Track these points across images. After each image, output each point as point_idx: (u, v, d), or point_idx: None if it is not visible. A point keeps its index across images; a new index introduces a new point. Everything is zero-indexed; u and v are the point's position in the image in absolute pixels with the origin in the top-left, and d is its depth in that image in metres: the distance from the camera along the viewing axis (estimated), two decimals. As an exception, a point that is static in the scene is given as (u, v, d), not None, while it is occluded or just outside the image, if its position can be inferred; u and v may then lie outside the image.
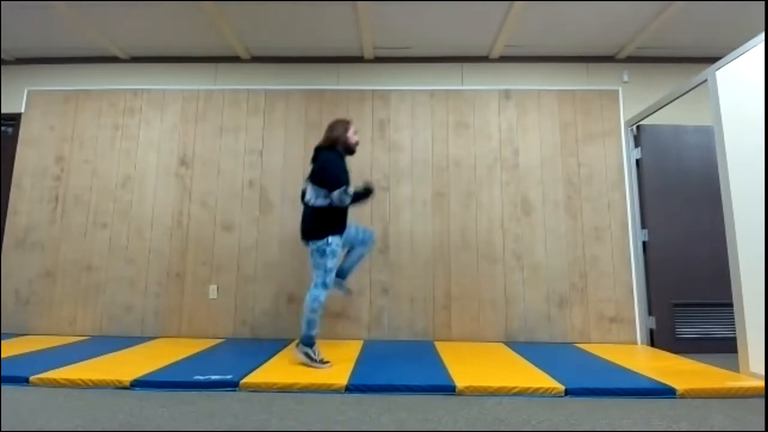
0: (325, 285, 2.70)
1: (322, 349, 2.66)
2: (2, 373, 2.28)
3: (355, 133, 2.89)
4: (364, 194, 2.77)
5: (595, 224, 3.72)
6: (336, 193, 2.66)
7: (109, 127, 3.99)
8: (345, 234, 2.82)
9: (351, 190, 2.70)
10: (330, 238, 2.71)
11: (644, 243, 3.61)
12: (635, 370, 2.58)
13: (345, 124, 2.87)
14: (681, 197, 3.56)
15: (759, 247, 2.42)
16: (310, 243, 2.75)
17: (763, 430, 1.74)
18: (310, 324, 2.66)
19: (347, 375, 2.37)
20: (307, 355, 2.61)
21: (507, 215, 3.75)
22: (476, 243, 3.72)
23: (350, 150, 2.86)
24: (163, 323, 3.69)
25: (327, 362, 2.60)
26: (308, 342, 2.65)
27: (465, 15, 3.44)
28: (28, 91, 4.08)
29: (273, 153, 3.91)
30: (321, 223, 2.73)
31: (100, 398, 2.04)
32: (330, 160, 2.76)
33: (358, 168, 3.85)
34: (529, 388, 2.18)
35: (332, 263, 2.71)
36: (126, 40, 3.85)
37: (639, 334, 3.56)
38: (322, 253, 2.69)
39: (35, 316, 3.73)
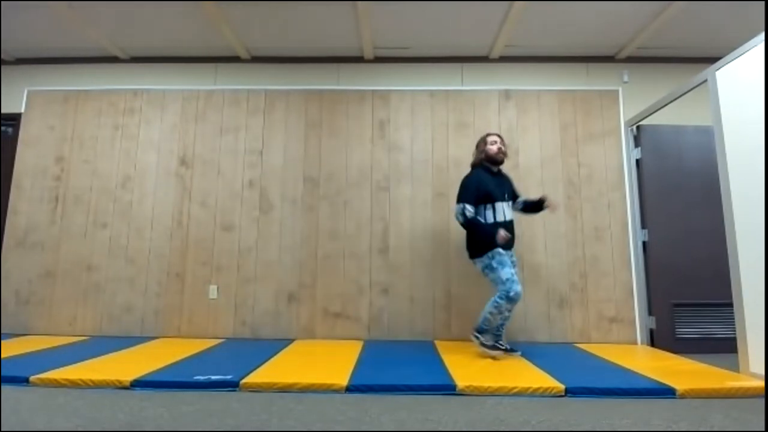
0: (509, 297, 2.73)
1: (321, 349, 2.66)
2: (2, 373, 2.28)
3: (494, 142, 2.98)
4: (535, 206, 3.06)
5: (595, 224, 3.72)
6: (455, 210, 2.89)
7: (109, 127, 3.99)
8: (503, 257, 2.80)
9: (470, 210, 2.81)
10: (490, 253, 2.80)
11: (644, 243, 3.61)
12: (635, 370, 2.58)
13: (484, 137, 3.04)
14: (681, 197, 3.56)
15: (759, 247, 2.42)
16: (476, 261, 2.90)
17: (763, 430, 1.74)
18: (485, 321, 2.84)
19: (347, 375, 2.37)
20: (477, 338, 2.86)
21: (507, 215, 3.75)
22: (476, 243, 3.72)
23: (493, 160, 2.97)
24: (163, 323, 3.69)
25: (501, 349, 2.77)
26: (478, 330, 2.88)
27: (465, 15, 3.44)
28: (28, 91, 4.08)
29: (273, 153, 3.91)
30: (474, 240, 2.89)
31: (100, 398, 2.04)
32: (463, 180, 2.97)
33: (358, 168, 3.86)
34: (529, 388, 2.18)
35: (506, 272, 2.75)
36: (126, 40, 3.85)
37: (639, 334, 3.56)
38: (489, 267, 2.81)
39: (35, 316, 3.73)
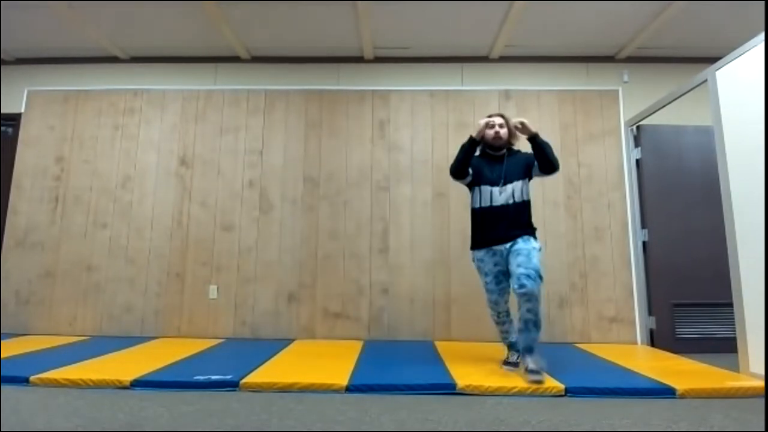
0: (488, 305, 2.64)
1: (321, 349, 2.65)
2: (2, 373, 2.27)
3: (491, 126, 2.60)
4: (537, 153, 2.53)
5: (595, 224, 3.72)
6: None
7: (109, 127, 3.99)
8: (496, 258, 2.55)
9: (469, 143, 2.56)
10: (472, 254, 2.70)
11: (644, 243, 3.61)
12: (635, 370, 2.58)
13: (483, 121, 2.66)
14: (681, 197, 3.56)
15: (759, 247, 2.41)
16: None
17: (763, 430, 1.74)
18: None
19: (347, 375, 2.37)
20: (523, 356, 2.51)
21: (507, 215, 3.74)
22: (476, 243, 3.72)
23: (489, 145, 2.63)
24: (163, 323, 3.69)
25: (512, 364, 2.54)
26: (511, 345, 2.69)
27: (465, 15, 3.44)
28: (28, 91, 4.08)
29: (273, 153, 3.90)
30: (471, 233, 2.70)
31: (100, 398, 2.04)
32: None
33: (358, 168, 3.86)
34: (529, 387, 2.18)
35: (483, 281, 2.63)
36: (126, 40, 3.85)
37: (639, 334, 3.56)
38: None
39: (35, 316, 3.73)
